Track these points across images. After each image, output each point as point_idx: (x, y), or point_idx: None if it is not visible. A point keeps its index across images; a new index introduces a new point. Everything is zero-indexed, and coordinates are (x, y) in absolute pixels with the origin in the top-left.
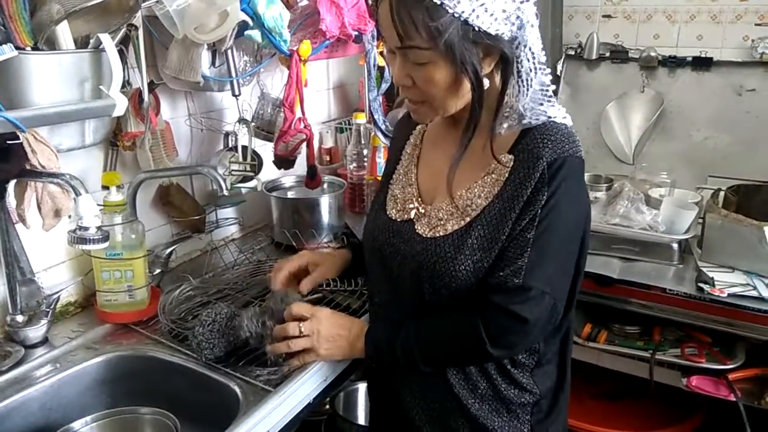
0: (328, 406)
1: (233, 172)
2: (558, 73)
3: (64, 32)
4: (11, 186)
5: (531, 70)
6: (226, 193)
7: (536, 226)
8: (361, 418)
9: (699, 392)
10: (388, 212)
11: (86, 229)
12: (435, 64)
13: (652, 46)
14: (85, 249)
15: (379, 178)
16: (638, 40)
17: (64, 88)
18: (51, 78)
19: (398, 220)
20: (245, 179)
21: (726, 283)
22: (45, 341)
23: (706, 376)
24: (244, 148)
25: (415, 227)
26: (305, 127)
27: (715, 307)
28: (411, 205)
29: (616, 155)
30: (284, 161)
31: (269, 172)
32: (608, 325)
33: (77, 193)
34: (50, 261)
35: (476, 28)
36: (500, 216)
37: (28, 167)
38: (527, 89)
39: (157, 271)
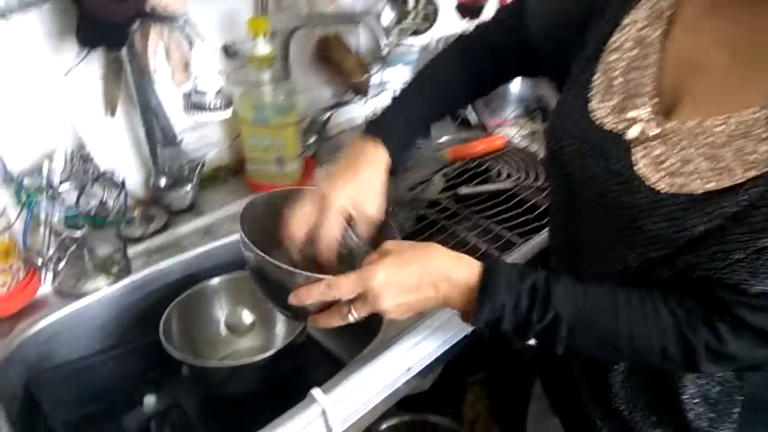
0: None
1: (402, 23)
2: None
3: None
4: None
5: None
6: (385, 51)
7: None
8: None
9: None
10: (589, 107)
11: (203, 93)
12: None
13: None
14: (200, 119)
15: None
16: None
17: None
18: None
19: (608, 129)
20: (417, 32)
21: None
22: (191, 208)
23: None
24: None
25: (632, 159)
26: None
27: None
28: (637, 112)
29: None
30: (470, 9)
31: (449, 23)
32: None
33: (191, 42)
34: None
35: None
36: None
37: (147, 9)
38: None
39: (312, 139)
